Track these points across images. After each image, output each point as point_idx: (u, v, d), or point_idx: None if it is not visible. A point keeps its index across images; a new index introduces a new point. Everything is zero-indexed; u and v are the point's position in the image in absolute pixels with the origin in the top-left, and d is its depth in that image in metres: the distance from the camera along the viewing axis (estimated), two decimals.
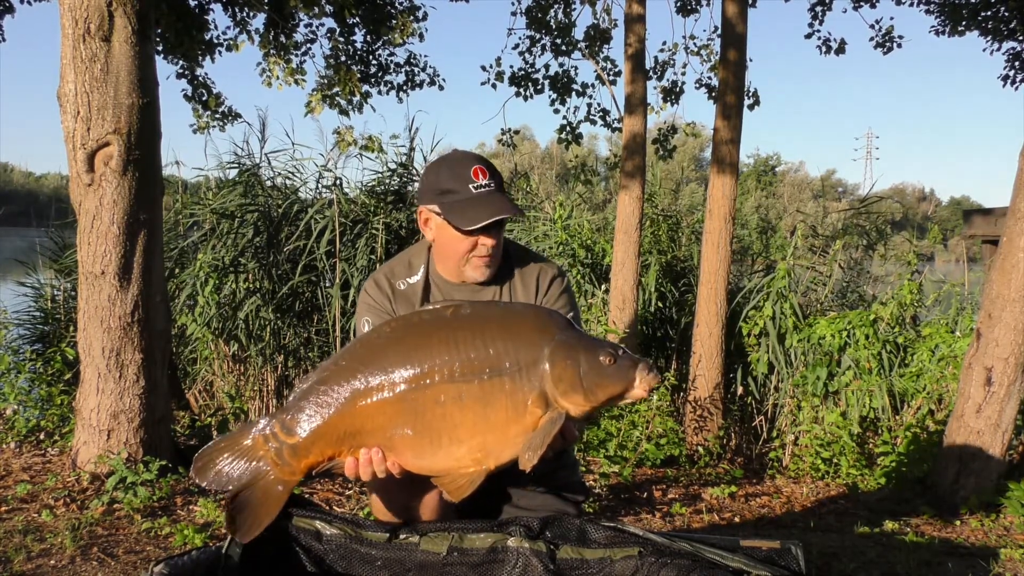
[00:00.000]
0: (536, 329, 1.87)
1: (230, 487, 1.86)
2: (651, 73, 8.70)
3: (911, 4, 8.57)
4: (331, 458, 1.88)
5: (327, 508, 2.18)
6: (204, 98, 7.95)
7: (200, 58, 7.64)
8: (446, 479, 1.87)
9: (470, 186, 2.19)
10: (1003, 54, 8.77)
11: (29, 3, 7.58)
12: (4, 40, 7.95)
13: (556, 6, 8.52)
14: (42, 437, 4.62)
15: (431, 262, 2.37)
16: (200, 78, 7.92)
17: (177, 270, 7.53)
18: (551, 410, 1.82)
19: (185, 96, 7.98)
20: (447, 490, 1.88)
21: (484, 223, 2.16)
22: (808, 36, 8.73)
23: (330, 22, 7.72)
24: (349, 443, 1.86)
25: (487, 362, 1.81)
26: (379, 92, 8.32)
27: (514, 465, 1.85)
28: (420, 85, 8.49)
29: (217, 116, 8.04)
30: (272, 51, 7.27)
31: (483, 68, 8.83)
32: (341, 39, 7.82)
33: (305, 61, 7.72)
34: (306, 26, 7.79)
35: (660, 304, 7.63)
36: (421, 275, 2.36)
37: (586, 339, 1.89)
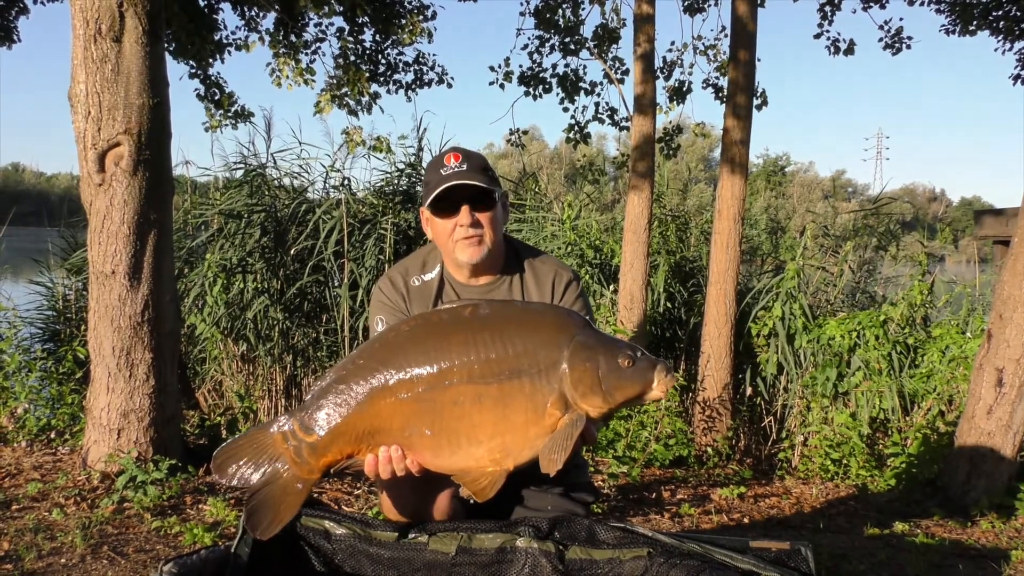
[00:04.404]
0: (555, 330, 1.86)
1: (249, 485, 1.86)
2: (659, 73, 8.68)
3: (922, 3, 8.51)
4: (350, 456, 1.88)
5: (336, 508, 2.18)
6: (217, 97, 7.98)
7: (211, 58, 7.68)
8: (467, 479, 1.86)
9: (441, 171, 2.24)
10: (1014, 54, 8.73)
11: (43, 3, 7.64)
12: (20, 41, 8.01)
13: (564, 6, 8.51)
14: (53, 436, 4.65)
15: (444, 261, 2.39)
16: (212, 77, 7.96)
17: (186, 270, 7.55)
18: (571, 412, 1.81)
19: (198, 96, 8.02)
20: (471, 491, 1.87)
21: (436, 191, 2.21)
22: (817, 36, 8.68)
23: (339, 21, 7.76)
24: (368, 442, 1.86)
25: (506, 363, 1.81)
26: (388, 91, 8.35)
27: (526, 467, 1.85)
28: (428, 84, 8.51)
29: (230, 115, 8.07)
30: (282, 51, 7.30)
31: (491, 68, 8.84)
32: (350, 39, 7.84)
33: (315, 61, 7.76)
34: (316, 25, 7.82)
35: (669, 304, 7.60)
36: (436, 273, 2.37)
37: (605, 340, 1.88)
